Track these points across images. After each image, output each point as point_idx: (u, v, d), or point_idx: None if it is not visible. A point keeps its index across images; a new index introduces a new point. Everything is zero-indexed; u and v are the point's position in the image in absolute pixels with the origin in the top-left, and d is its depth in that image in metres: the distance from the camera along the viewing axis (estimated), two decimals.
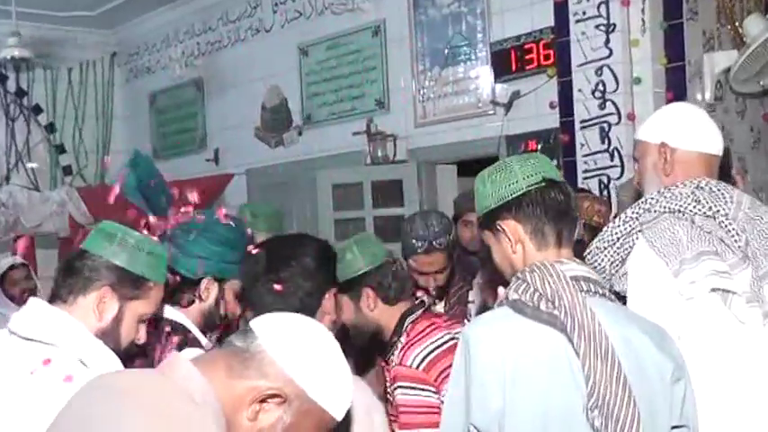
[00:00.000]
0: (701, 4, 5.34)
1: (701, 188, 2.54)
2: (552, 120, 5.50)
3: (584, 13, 5.21)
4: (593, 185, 5.19)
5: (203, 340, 2.78)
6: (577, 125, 5.29)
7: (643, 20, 5.13)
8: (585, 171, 5.27)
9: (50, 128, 9.11)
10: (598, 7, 5.15)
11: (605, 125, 5.17)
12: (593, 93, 5.21)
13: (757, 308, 2.39)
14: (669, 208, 2.52)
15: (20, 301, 6.08)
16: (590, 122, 5.23)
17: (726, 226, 2.45)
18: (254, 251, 2.75)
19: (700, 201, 2.50)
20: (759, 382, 2.39)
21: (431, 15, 6.31)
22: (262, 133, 7.74)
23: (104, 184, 9.01)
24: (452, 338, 2.93)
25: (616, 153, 5.14)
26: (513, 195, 2.15)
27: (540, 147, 5.63)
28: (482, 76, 6.04)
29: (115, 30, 9.24)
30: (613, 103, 5.14)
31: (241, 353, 1.75)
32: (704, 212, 2.48)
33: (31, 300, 2.42)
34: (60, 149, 9.12)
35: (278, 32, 7.55)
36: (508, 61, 5.75)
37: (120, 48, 9.43)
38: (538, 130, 5.66)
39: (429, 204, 6.25)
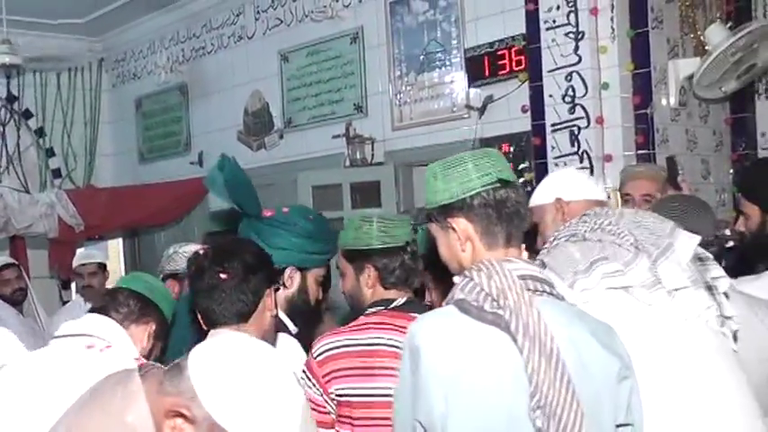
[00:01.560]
0: (665, 13, 5.31)
1: (587, 214, 2.60)
2: (524, 123, 5.45)
3: (554, 21, 5.17)
4: None
5: (290, 325, 3.00)
6: (548, 128, 5.24)
7: (612, 28, 5.09)
8: None
9: (40, 132, 9.01)
10: (567, 16, 5.11)
11: (575, 128, 5.13)
12: (563, 97, 5.17)
13: (662, 289, 2.39)
14: (564, 236, 2.56)
15: (10, 300, 5.96)
16: (560, 126, 5.19)
17: (613, 231, 2.47)
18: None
19: (586, 221, 2.55)
20: (675, 355, 2.36)
21: (407, 23, 6.26)
22: (244, 137, 7.68)
23: (92, 186, 8.95)
24: (373, 344, 2.76)
25: (585, 155, 5.10)
26: (466, 194, 2.09)
27: (512, 149, 5.59)
28: (457, 81, 5.99)
29: (103, 37, 9.13)
30: (583, 108, 5.10)
31: (177, 369, 1.73)
32: (591, 227, 2.51)
33: None
34: (50, 153, 9.02)
35: (260, 39, 7.48)
36: (482, 67, 5.71)
37: (108, 54, 9.34)
38: (510, 133, 5.61)
39: (406, 205, 6.21)
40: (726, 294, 2.51)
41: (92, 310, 2.80)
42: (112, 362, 1.98)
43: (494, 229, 2.09)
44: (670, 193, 4.17)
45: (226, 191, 2.99)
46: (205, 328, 2.67)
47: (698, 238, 2.55)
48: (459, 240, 2.12)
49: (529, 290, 1.99)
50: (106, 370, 1.88)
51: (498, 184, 2.08)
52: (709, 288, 2.54)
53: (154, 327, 2.81)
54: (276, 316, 2.80)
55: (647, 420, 2.16)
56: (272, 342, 2.76)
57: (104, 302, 2.81)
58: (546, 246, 2.59)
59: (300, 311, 3.08)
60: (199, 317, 2.69)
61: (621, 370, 2.03)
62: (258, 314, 2.65)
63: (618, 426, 2.03)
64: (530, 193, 3.16)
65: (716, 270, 2.55)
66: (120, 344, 2.54)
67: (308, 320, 3.24)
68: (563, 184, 3.04)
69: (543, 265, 2.46)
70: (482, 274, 2.00)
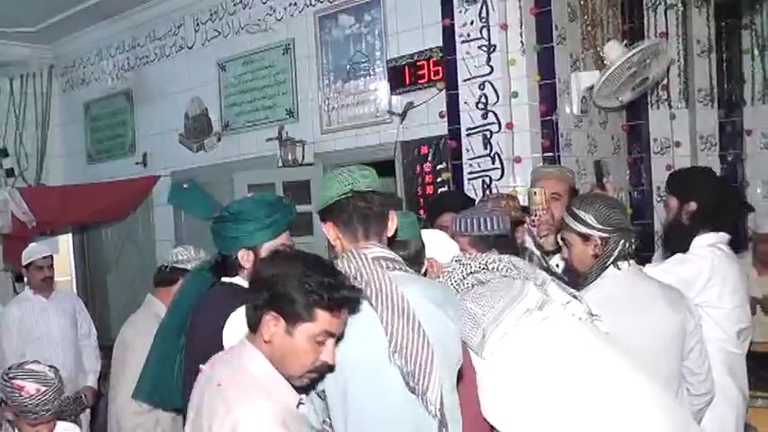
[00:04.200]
0: (568, 30, 5.32)
1: (459, 260, 2.82)
2: (441, 127, 5.42)
3: (468, 35, 5.14)
4: (477, 186, 5.15)
5: None
6: (463, 132, 5.22)
7: (521, 42, 5.07)
8: (470, 173, 5.20)
9: None
10: (480, 31, 5.09)
11: (487, 133, 5.11)
12: (476, 104, 5.14)
13: (554, 304, 2.63)
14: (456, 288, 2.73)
15: None
16: (474, 130, 5.17)
17: (498, 267, 2.73)
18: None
19: (470, 265, 2.76)
20: (580, 348, 2.58)
21: (335, 36, 6.18)
22: (185, 139, 7.52)
23: (43, 185, 8.70)
24: None
25: (497, 157, 5.09)
26: (327, 204, 2.41)
27: (431, 151, 5.56)
28: (380, 88, 5.94)
29: (53, 45, 8.87)
30: (494, 114, 5.08)
31: None
32: (477, 268, 2.74)
33: None
34: (3, 153, 8.71)
35: (199, 50, 7.33)
36: (403, 76, 5.66)
37: (58, 61, 9.08)
38: (429, 137, 5.58)
39: None
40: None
41: None
42: None
43: (352, 228, 2.39)
44: (592, 192, 4.22)
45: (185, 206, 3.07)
46: None
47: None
48: (332, 237, 2.43)
49: (382, 267, 2.29)
50: None
51: (351, 195, 2.37)
52: (575, 297, 2.78)
53: None
54: None
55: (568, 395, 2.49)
56: None
57: None
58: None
59: None
60: None
61: (453, 318, 2.36)
62: None
63: (459, 360, 2.35)
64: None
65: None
66: None
67: None
68: (432, 246, 3.01)
69: None
70: (344, 261, 2.31)
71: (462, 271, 2.75)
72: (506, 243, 3.16)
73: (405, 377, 2.16)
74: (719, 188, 3.61)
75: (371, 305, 2.20)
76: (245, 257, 2.92)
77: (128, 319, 4.28)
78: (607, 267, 3.09)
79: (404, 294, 2.20)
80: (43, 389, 3.29)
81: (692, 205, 3.51)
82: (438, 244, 3.02)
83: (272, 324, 2.13)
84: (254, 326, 2.18)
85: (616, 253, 3.08)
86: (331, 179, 2.43)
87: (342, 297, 2.11)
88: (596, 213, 3.10)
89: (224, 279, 2.97)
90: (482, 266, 2.74)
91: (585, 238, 3.12)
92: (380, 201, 2.42)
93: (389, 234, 2.47)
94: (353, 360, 2.20)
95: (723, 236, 3.55)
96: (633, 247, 3.12)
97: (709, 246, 3.46)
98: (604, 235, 3.08)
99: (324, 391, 2.25)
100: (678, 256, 3.47)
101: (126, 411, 3.77)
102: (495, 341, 2.54)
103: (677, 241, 3.54)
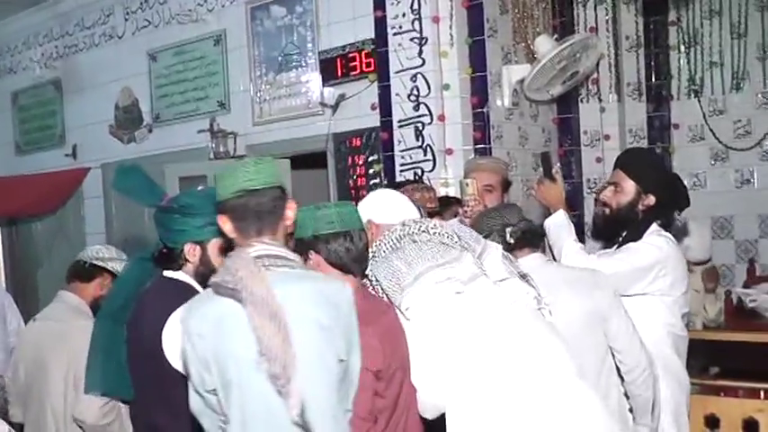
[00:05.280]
0: (499, 24, 5.31)
1: (405, 222, 2.80)
2: (373, 119, 5.37)
3: (400, 27, 5.10)
4: (410, 177, 5.11)
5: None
6: (395, 124, 5.19)
7: (451, 35, 5.05)
8: (402, 165, 5.17)
9: None
10: (412, 23, 5.05)
11: (419, 125, 5.09)
12: (408, 96, 5.11)
13: (484, 279, 2.65)
14: (387, 247, 2.74)
15: None
16: (406, 122, 5.14)
17: (439, 233, 2.73)
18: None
19: (411, 227, 2.75)
20: (494, 334, 2.59)
21: (266, 27, 6.07)
22: (116, 130, 7.33)
23: None
24: None
25: (429, 149, 5.07)
26: (219, 201, 2.39)
27: (363, 143, 5.51)
28: (312, 80, 5.85)
29: None
30: (426, 106, 5.06)
31: None
32: (417, 230, 2.73)
33: None
34: None
35: (129, 39, 7.15)
36: (334, 68, 5.60)
37: None
38: (361, 129, 5.52)
39: None
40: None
41: None
42: None
43: (244, 225, 2.35)
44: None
45: (130, 191, 3.01)
46: None
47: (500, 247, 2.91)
48: (228, 231, 2.39)
49: (264, 266, 2.26)
50: None
51: (241, 194, 2.33)
52: (523, 277, 2.82)
53: None
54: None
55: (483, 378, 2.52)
56: None
57: None
58: (372, 259, 2.77)
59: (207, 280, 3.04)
60: None
61: (331, 319, 2.28)
62: None
63: (341, 360, 2.28)
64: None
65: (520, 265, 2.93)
66: None
67: None
68: (374, 208, 2.98)
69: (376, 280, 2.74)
70: (228, 260, 2.32)
71: (401, 231, 2.75)
72: None
73: (270, 380, 2.17)
74: (676, 185, 3.64)
75: (244, 306, 2.21)
76: (191, 252, 2.88)
77: (36, 317, 4.04)
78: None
79: (275, 296, 2.19)
80: None
81: (651, 199, 3.49)
82: (395, 206, 3.01)
83: None
84: None
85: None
86: (224, 176, 2.40)
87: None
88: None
89: (167, 273, 2.92)
90: (422, 230, 2.74)
91: None
92: (273, 196, 2.39)
93: (288, 223, 2.45)
94: (234, 356, 2.23)
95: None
96: (510, 239, 3.17)
97: (659, 235, 3.48)
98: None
99: (215, 390, 2.27)
100: (632, 245, 3.45)
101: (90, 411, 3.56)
102: (409, 300, 2.59)
103: (630, 231, 3.52)
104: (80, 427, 3.35)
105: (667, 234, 3.51)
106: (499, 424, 2.50)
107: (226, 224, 2.39)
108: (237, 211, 2.36)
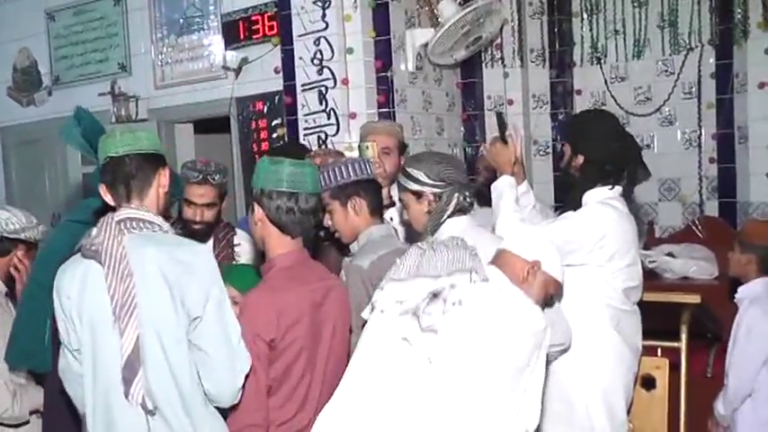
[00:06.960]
0: None
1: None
2: (277, 83, 5.28)
3: None
4: (313, 141, 5.06)
5: None
6: (299, 88, 5.11)
7: None
8: (306, 129, 5.10)
9: None
10: None
11: (323, 89, 5.02)
12: (312, 60, 5.04)
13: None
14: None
15: None
16: (310, 86, 5.07)
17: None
18: None
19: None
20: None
21: None
22: (14, 93, 7.01)
23: None
24: None
25: (332, 113, 5.02)
26: (98, 166, 2.53)
27: (266, 107, 5.40)
28: (214, 43, 5.69)
29: None
30: (330, 70, 4.99)
31: None
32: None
33: None
34: None
35: None
36: (237, 31, 5.47)
37: None
38: (264, 93, 5.41)
39: (168, 159, 5.80)
40: None
41: None
42: None
43: (116, 191, 2.48)
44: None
45: (83, 141, 2.90)
46: None
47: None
48: (106, 197, 2.51)
49: (124, 228, 2.40)
50: None
51: (109, 160, 2.46)
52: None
53: None
54: None
55: None
56: None
57: None
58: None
59: None
60: None
61: (185, 274, 2.39)
62: None
63: (195, 318, 2.38)
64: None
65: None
66: None
67: None
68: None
69: None
70: (99, 223, 2.45)
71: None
72: (376, 189, 3.20)
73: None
74: (611, 139, 3.32)
75: (102, 266, 2.36)
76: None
77: None
78: (442, 224, 3.01)
79: (129, 259, 2.34)
80: None
81: (580, 159, 3.31)
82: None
83: None
84: None
85: (451, 207, 2.99)
86: (100, 146, 2.52)
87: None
88: (427, 169, 3.01)
89: None
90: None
91: (418, 195, 3.04)
92: (139, 162, 2.47)
93: (164, 189, 2.53)
94: (94, 315, 2.38)
95: (617, 189, 3.31)
96: (469, 200, 3.04)
97: (599, 203, 3.26)
98: (436, 190, 3.00)
99: (79, 350, 2.44)
100: (569, 213, 3.28)
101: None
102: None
103: (569, 199, 3.36)
104: None
105: (614, 203, 3.28)
106: None
107: (103, 190, 2.51)
108: (106, 176, 2.49)
